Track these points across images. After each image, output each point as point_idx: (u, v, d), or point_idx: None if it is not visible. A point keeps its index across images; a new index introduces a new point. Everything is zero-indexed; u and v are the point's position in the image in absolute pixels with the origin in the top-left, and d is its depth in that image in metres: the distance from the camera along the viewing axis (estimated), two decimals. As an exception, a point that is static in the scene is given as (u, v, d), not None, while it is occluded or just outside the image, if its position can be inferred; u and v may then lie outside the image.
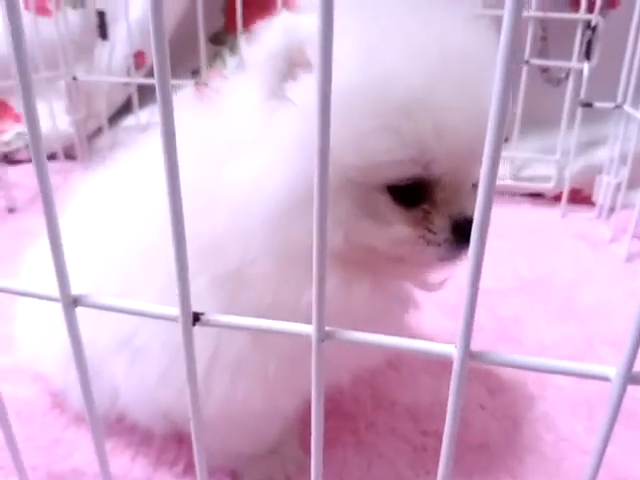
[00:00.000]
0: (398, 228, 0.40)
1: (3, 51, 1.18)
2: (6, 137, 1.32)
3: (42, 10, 1.27)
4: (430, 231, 0.40)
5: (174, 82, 1.23)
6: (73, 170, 1.36)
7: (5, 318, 0.70)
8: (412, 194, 0.39)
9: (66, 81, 1.29)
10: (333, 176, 0.38)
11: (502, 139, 0.28)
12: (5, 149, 1.32)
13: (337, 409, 0.64)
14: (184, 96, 1.30)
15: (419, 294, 0.52)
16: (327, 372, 0.50)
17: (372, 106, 0.36)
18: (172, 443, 0.60)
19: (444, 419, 0.64)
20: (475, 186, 0.42)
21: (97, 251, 0.52)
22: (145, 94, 1.29)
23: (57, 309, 0.38)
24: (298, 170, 0.38)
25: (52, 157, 1.34)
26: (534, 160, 1.26)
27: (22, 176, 1.29)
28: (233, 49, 1.33)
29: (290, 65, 0.39)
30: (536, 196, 1.27)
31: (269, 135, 0.40)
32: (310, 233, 0.34)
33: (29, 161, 1.29)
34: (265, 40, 0.40)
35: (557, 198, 1.23)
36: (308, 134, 0.29)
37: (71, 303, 0.40)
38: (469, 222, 0.37)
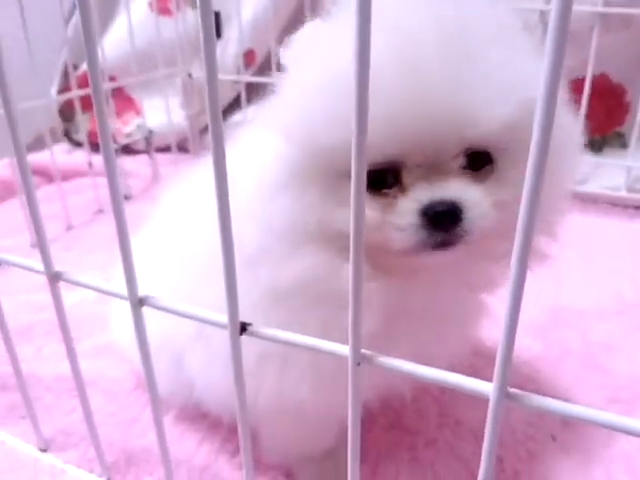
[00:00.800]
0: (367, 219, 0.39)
1: (127, 50, 1.27)
2: (127, 129, 1.44)
3: (164, 10, 1.36)
4: (397, 215, 0.38)
5: (279, 81, 1.27)
6: (185, 162, 1.46)
7: (106, 299, 0.78)
8: (381, 181, 0.39)
9: (182, 78, 1.37)
10: (304, 163, 0.41)
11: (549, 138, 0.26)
12: (126, 140, 1.43)
13: (398, 423, 0.64)
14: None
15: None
16: (386, 380, 0.50)
17: (328, 91, 0.38)
18: (235, 434, 0.63)
19: (509, 446, 0.63)
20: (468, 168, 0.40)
21: (177, 253, 0.56)
22: (253, 91, 1.34)
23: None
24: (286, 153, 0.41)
25: (166, 149, 1.44)
26: (654, 171, 1.15)
27: (139, 165, 1.40)
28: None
29: None
30: (654, 210, 1.16)
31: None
32: (288, 212, 0.41)
33: (146, 152, 1.40)
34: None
35: (678, 214, 1.12)
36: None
37: (137, 303, 0.44)
38: (438, 204, 0.37)
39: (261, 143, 0.45)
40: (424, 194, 0.38)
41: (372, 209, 0.39)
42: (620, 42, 1.11)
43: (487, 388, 0.34)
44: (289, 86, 0.42)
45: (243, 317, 0.39)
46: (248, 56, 1.36)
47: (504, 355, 0.33)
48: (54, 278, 0.48)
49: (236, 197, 0.40)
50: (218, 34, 1.37)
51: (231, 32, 1.36)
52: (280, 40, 1.30)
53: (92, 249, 1.04)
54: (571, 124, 0.45)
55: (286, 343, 0.39)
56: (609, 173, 1.18)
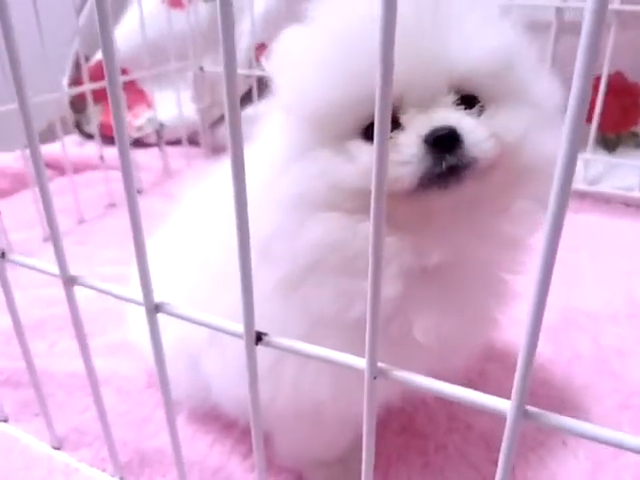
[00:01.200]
0: (367, 157, 0.40)
1: (138, 42, 1.27)
2: (138, 122, 1.44)
3: (176, 3, 1.35)
4: (399, 151, 0.40)
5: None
6: (196, 156, 1.46)
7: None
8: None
9: (194, 71, 1.37)
10: (308, 132, 0.42)
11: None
12: (137, 133, 1.43)
13: (409, 426, 0.64)
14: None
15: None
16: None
17: (319, 62, 0.41)
18: (248, 435, 0.63)
19: (520, 452, 0.63)
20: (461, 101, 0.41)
21: (193, 256, 0.57)
22: (265, 86, 1.34)
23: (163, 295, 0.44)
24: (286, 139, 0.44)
25: (177, 142, 1.43)
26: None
27: (149, 159, 1.40)
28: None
29: None
30: (668, 211, 1.15)
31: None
32: (299, 183, 0.42)
33: (156, 145, 1.40)
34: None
35: (693, 215, 1.11)
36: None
37: (153, 309, 0.44)
38: (437, 130, 0.39)
39: (267, 134, 0.47)
40: (422, 125, 0.40)
41: None
42: (636, 41, 1.09)
43: (504, 406, 0.34)
44: (284, 70, 0.45)
45: (259, 310, 0.39)
46: (260, 50, 1.35)
47: (523, 372, 0.33)
48: (69, 282, 0.48)
49: (250, 188, 0.40)
50: (230, 27, 1.36)
51: (243, 25, 1.35)
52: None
53: (104, 244, 1.05)
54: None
55: (302, 354, 0.39)
56: (623, 173, 1.17)
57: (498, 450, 0.65)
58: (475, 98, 0.42)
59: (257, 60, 1.34)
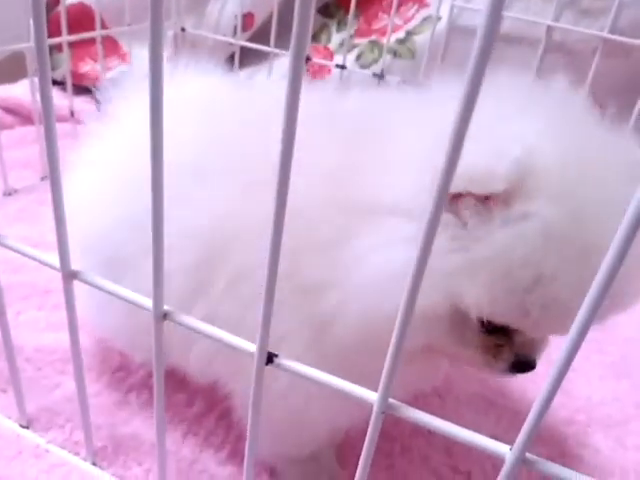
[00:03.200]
0: (471, 353, 0.45)
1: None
2: (109, 75, 1.37)
3: (163, -45, 1.28)
4: (495, 359, 0.45)
5: (277, 51, 1.23)
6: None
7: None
8: (498, 327, 0.44)
9: (175, 30, 1.31)
10: (444, 303, 0.42)
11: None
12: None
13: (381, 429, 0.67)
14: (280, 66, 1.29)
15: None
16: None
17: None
18: (221, 428, 0.65)
19: (477, 460, 0.67)
20: None
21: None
22: (247, 55, 1.30)
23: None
24: None
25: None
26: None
27: (118, 115, 1.35)
28: (340, 24, 1.31)
29: None
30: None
31: None
32: None
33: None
34: None
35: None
36: None
37: (161, 317, 0.44)
38: (527, 363, 0.46)
39: None
40: (523, 352, 0.45)
41: (478, 349, 0.45)
42: (615, 68, 1.13)
43: (504, 450, 0.37)
44: None
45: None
46: (247, 19, 1.31)
47: (531, 427, 0.35)
48: (69, 277, 0.47)
49: None
50: (218, -9, 1.31)
51: (231, -9, 1.31)
52: (283, 5, 1.25)
53: (69, 206, 1.01)
54: None
55: (313, 381, 0.40)
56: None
57: (457, 457, 0.69)
58: None
59: (243, 29, 1.30)
